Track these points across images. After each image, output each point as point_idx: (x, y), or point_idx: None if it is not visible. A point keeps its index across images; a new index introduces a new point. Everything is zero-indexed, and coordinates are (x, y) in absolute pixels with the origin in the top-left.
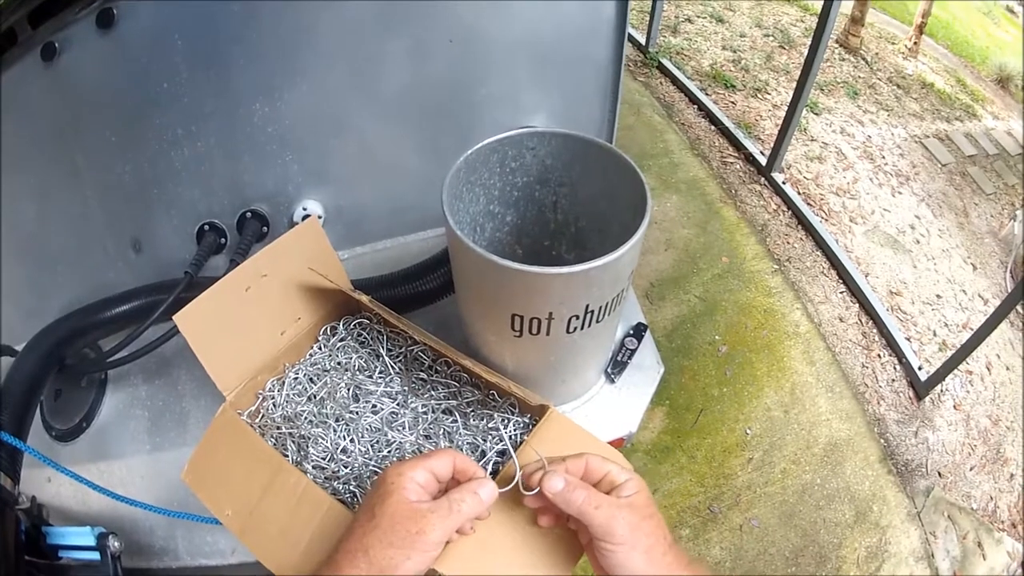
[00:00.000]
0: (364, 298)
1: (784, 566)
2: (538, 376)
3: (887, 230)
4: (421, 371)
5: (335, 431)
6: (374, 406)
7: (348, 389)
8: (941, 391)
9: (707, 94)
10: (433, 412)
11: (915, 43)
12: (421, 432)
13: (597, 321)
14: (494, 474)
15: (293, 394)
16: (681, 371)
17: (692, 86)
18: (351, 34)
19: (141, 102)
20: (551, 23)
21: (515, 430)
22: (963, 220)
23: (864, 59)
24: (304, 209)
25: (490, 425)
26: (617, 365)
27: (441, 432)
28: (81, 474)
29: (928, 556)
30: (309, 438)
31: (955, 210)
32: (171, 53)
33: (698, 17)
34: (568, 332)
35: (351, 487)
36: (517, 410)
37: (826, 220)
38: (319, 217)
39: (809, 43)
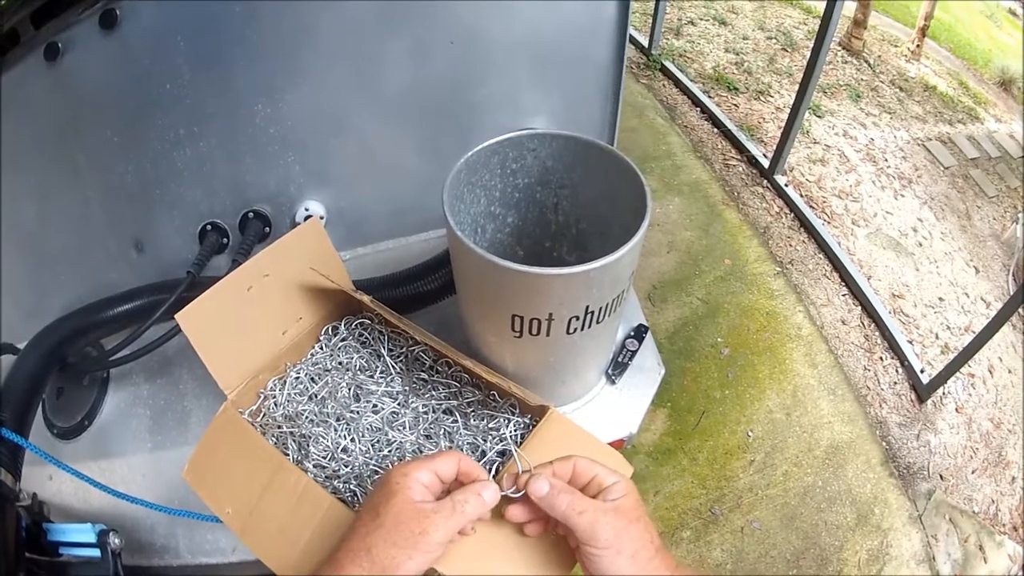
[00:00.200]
0: (365, 298)
1: (785, 568)
2: (538, 377)
3: (889, 233)
4: (422, 371)
5: (336, 430)
6: (375, 406)
7: (349, 389)
8: (943, 394)
9: (710, 96)
10: (434, 412)
11: (918, 46)
12: (422, 432)
13: (597, 322)
14: (494, 474)
15: (294, 393)
16: (683, 373)
17: (695, 88)
18: (352, 35)
19: (143, 103)
20: (552, 24)
21: (515, 430)
22: (965, 223)
23: (867, 62)
24: (306, 210)
25: (490, 425)
26: (618, 366)
27: (441, 432)
28: (82, 472)
29: (929, 559)
30: (310, 437)
31: (957, 213)
32: (173, 54)
33: (701, 19)
34: (568, 333)
35: (351, 486)
36: (517, 411)
37: (828, 223)
38: (321, 218)
39: (812, 46)
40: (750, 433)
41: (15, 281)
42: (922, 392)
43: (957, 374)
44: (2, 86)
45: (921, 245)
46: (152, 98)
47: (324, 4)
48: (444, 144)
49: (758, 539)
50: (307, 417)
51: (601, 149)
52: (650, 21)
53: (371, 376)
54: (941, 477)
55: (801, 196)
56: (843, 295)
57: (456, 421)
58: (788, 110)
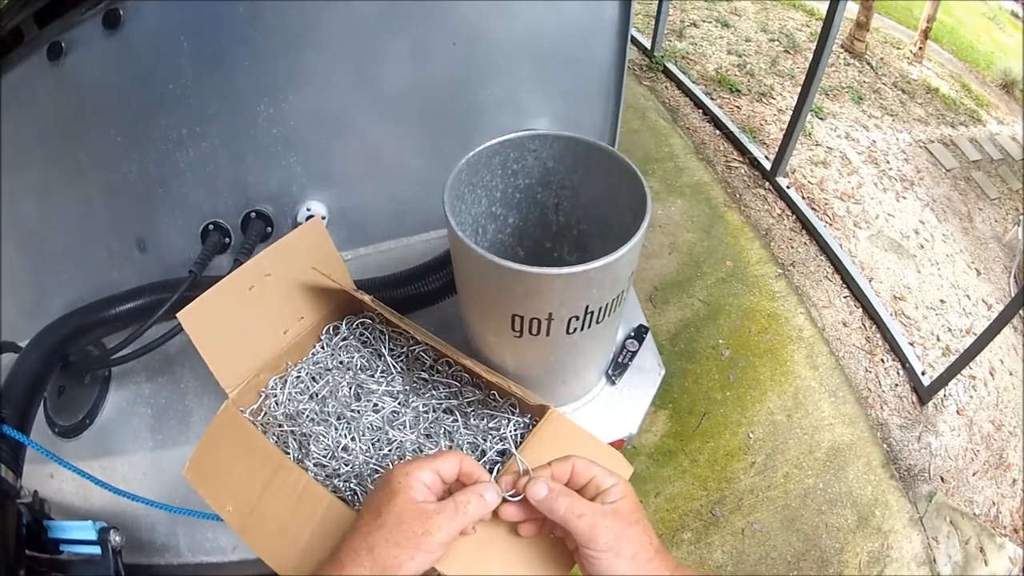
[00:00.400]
0: (367, 298)
1: (786, 570)
2: (538, 376)
3: (891, 235)
4: (422, 371)
5: (336, 429)
6: (375, 405)
7: (350, 388)
8: (944, 396)
9: (712, 98)
10: (434, 411)
11: (920, 48)
12: (422, 431)
13: (597, 322)
14: (494, 474)
15: (295, 392)
16: (684, 375)
17: (697, 90)
18: (355, 36)
19: (146, 102)
20: (554, 25)
21: (515, 430)
22: (967, 225)
23: (869, 64)
24: (308, 210)
25: (490, 425)
26: (618, 367)
27: (442, 431)
28: (84, 470)
29: (930, 561)
30: (310, 436)
31: (959, 215)
32: (176, 54)
33: (703, 21)
34: (568, 333)
35: (351, 485)
36: (517, 410)
37: (830, 225)
38: (323, 218)
39: (814, 48)
40: (751, 435)
41: (17, 279)
42: (923, 394)
43: (958, 376)
44: (6, 85)
45: (923, 247)
46: (155, 98)
47: (327, 5)
48: (445, 145)
49: (759, 541)
50: (308, 416)
51: (602, 150)
52: (653, 23)
53: (372, 375)
54: (942, 479)
55: (803, 198)
56: (844, 297)
57: (456, 420)
58: (790, 112)
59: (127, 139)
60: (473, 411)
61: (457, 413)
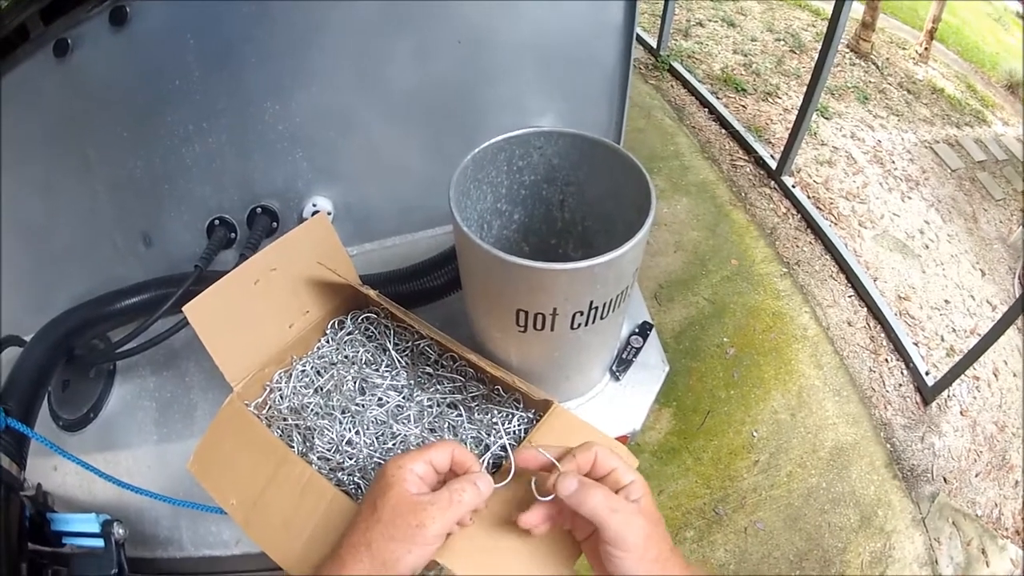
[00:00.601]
0: (372, 293)
1: (788, 569)
2: (543, 372)
3: (896, 235)
4: (427, 365)
5: (341, 423)
6: (380, 399)
7: (355, 382)
8: (948, 397)
9: (718, 98)
10: (438, 406)
11: (926, 48)
12: (426, 425)
13: (601, 318)
14: (498, 468)
15: (300, 386)
16: (689, 373)
17: (703, 89)
18: (361, 35)
19: (153, 99)
20: (559, 24)
21: (519, 425)
22: (972, 225)
23: (875, 64)
24: (314, 205)
25: (494, 420)
26: (622, 363)
27: (446, 426)
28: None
29: (932, 562)
30: (315, 430)
31: (964, 215)
32: (183, 51)
33: (709, 21)
34: (572, 328)
35: (355, 478)
36: (522, 405)
37: (835, 224)
38: (328, 213)
39: (820, 48)
40: (755, 433)
41: (23, 274)
42: (927, 394)
43: (962, 377)
44: (12, 81)
45: (927, 247)
46: (161, 94)
47: (333, 4)
48: (450, 144)
49: (761, 540)
50: (312, 410)
51: (607, 147)
52: (658, 22)
53: (376, 370)
54: (945, 480)
55: (808, 197)
56: (849, 296)
57: (460, 415)
58: (796, 111)
59: (133, 135)
60: (477, 406)
61: (461, 408)
